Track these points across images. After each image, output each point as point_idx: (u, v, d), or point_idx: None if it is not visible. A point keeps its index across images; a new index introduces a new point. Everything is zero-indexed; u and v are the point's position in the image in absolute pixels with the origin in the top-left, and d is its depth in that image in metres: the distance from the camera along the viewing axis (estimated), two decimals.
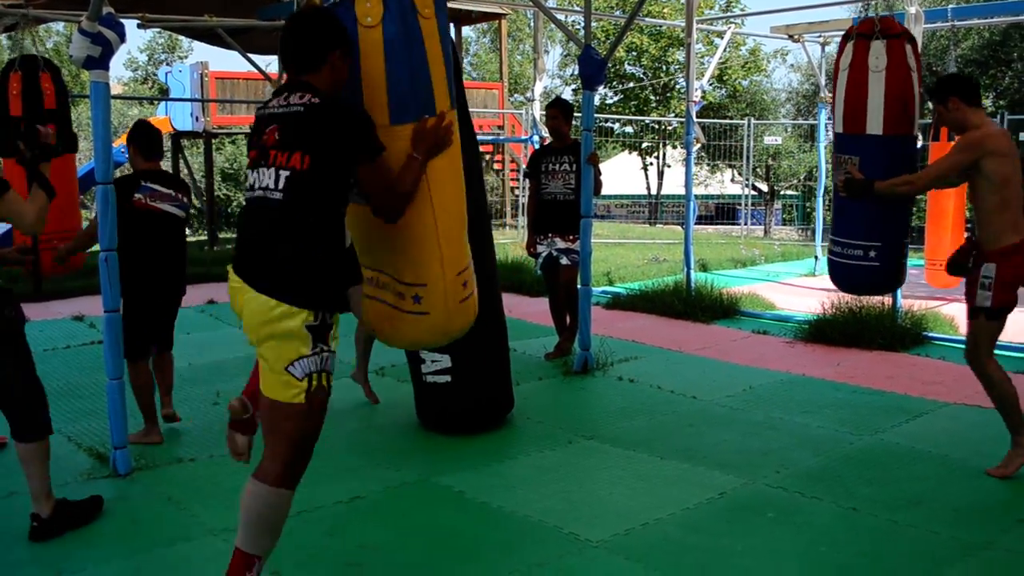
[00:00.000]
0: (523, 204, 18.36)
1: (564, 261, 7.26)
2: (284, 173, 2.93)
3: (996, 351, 4.68)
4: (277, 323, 2.90)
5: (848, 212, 5.33)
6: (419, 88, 3.29)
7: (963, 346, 4.85)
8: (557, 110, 7.37)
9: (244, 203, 3.10)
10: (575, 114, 7.24)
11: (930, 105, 5.13)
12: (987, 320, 4.63)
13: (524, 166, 9.37)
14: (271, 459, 3.02)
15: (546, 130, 9.17)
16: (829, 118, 12.63)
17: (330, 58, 3.10)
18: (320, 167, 2.93)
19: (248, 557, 3.04)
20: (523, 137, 16.71)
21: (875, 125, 5.06)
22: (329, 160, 2.95)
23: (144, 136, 5.30)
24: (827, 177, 11.84)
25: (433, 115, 3.33)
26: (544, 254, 7.35)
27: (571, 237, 7.19)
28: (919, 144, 7.93)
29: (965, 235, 9.13)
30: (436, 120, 3.32)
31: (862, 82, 5.08)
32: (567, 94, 36.16)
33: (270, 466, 3.01)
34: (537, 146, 11.88)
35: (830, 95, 11.84)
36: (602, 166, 7.07)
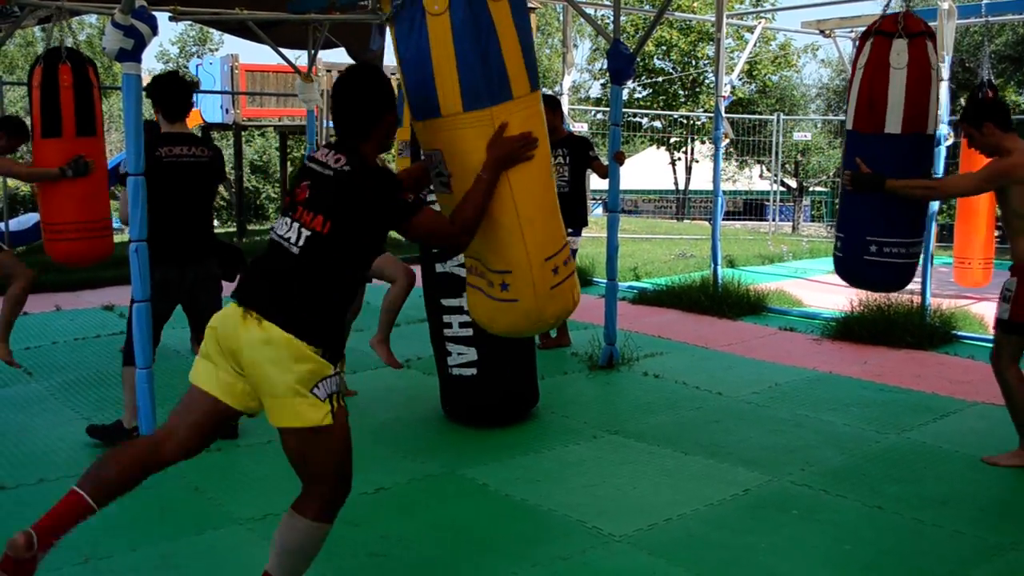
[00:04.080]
0: None
1: None
2: (305, 232, 2.96)
3: None
4: (295, 351, 2.85)
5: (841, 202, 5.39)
6: (491, 74, 3.25)
7: (993, 345, 4.85)
8: (547, 105, 7.39)
9: (269, 239, 3.12)
10: (605, 108, 7.23)
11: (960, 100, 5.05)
12: (1004, 333, 4.73)
13: None
14: (309, 493, 2.97)
15: (574, 125, 9.16)
16: None
17: (384, 121, 3.13)
18: (340, 234, 2.95)
19: None
20: None
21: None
22: (350, 228, 2.96)
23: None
24: None
25: (510, 99, 3.28)
26: None
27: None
28: (950, 142, 7.89)
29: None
30: (520, 135, 3.28)
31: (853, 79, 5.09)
32: (596, 89, 36.05)
33: (309, 500, 2.97)
34: None
35: None
36: (629, 160, 7.07)
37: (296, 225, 2.99)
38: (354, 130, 3.10)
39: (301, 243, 2.95)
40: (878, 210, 4.92)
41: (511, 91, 3.29)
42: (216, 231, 5.57)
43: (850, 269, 5.14)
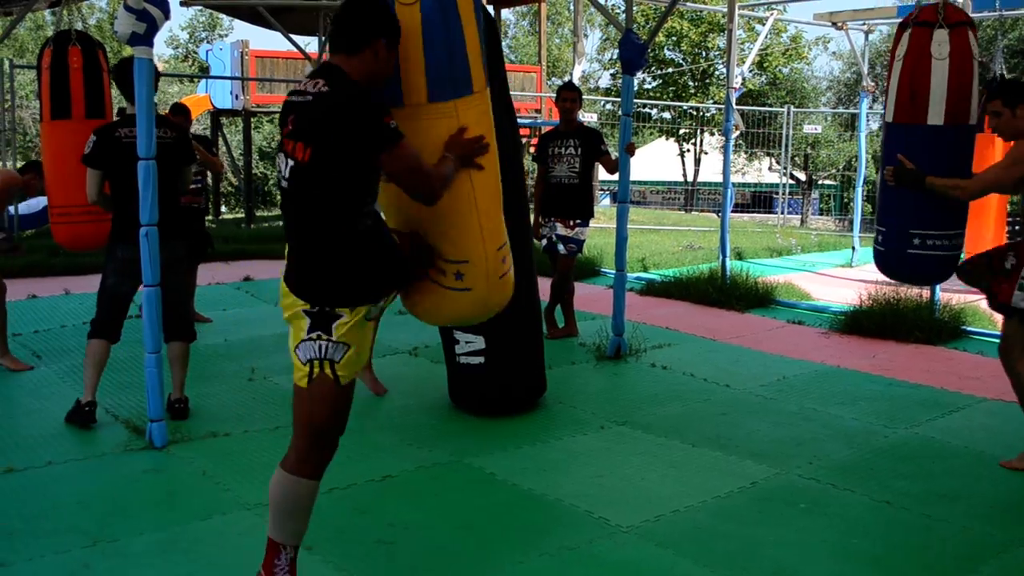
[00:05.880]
0: None
1: (561, 250, 7.28)
2: (291, 163, 2.90)
3: None
4: (286, 301, 3.02)
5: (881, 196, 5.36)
6: (456, 66, 3.26)
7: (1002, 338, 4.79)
8: (577, 94, 7.39)
9: None
10: (614, 99, 7.22)
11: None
12: (1022, 324, 4.56)
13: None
14: (291, 446, 3.06)
15: (584, 115, 9.12)
16: (870, 108, 12.45)
17: (374, 44, 2.97)
18: (319, 160, 2.84)
19: (274, 544, 3.06)
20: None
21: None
22: (329, 153, 2.84)
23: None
24: (867, 167, 11.66)
25: (471, 93, 3.28)
26: (546, 238, 7.37)
27: (572, 223, 7.20)
28: None
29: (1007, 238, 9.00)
30: (476, 137, 3.25)
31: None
32: (605, 79, 36.01)
33: (288, 452, 3.05)
34: None
35: (872, 84, 11.68)
36: (638, 151, 7.04)
37: (285, 159, 2.93)
38: (342, 45, 3.01)
39: (287, 175, 2.91)
40: (921, 203, 4.91)
41: (472, 85, 3.31)
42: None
43: (893, 263, 5.14)
